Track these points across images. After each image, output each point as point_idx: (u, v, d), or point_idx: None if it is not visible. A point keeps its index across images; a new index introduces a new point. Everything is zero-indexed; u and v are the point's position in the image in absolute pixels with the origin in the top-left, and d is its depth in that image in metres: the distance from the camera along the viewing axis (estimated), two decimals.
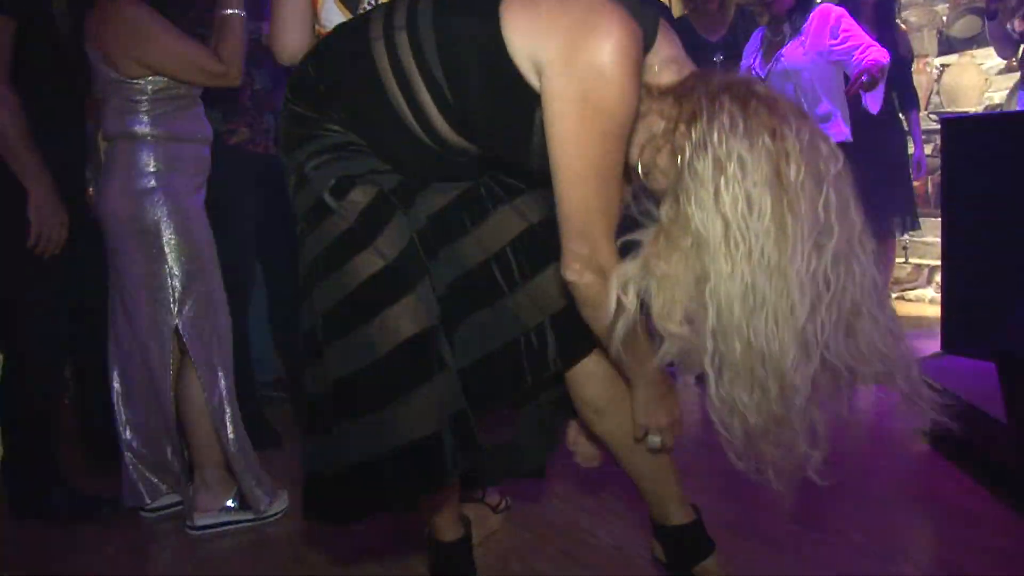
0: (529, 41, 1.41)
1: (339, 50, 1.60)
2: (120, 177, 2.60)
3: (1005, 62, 5.45)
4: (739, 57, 4.09)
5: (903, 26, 4.68)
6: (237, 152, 3.23)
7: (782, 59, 3.78)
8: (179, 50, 2.56)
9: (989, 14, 4.22)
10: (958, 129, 3.11)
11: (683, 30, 4.54)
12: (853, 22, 3.79)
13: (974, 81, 6.26)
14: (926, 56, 6.64)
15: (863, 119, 3.99)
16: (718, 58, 4.53)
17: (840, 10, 3.83)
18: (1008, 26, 4.18)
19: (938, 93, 6.60)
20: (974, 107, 6.19)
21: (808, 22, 3.78)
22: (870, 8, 4.22)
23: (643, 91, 1.44)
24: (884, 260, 4.52)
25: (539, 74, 1.41)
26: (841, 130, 3.79)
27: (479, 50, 1.44)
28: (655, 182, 1.49)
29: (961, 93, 6.32)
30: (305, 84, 1.62)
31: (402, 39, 1.49)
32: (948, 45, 6.84)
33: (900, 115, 4.54)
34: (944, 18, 7.19)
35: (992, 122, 2.85)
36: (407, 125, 1.54)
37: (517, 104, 1.45)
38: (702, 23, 4.61)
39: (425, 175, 1.70)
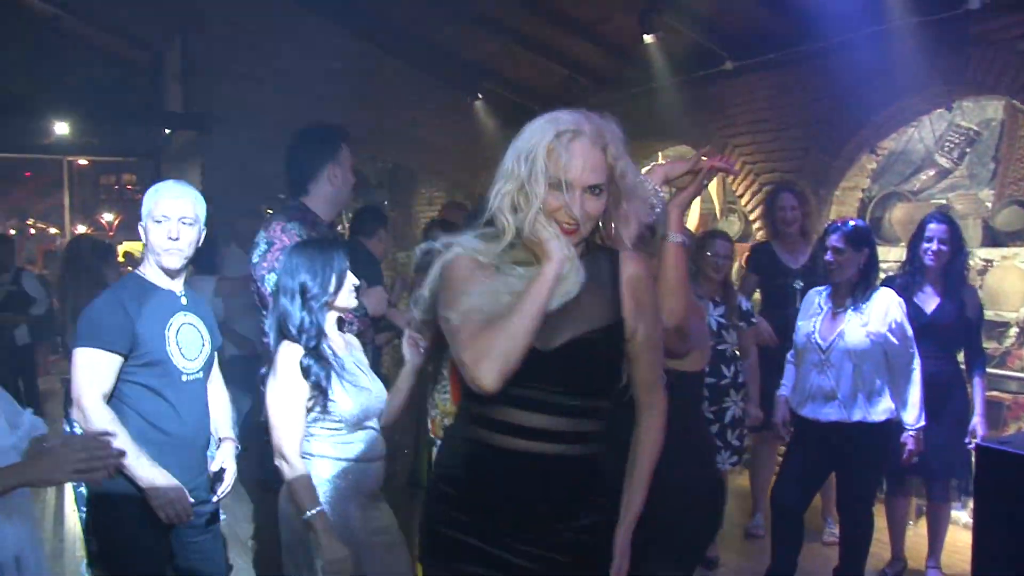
0: None
1: None
2: None
3: None
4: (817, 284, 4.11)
5: (974, 284, 4.51)
6: None
7: (844, 337, 3.75)
8: None
9: None
10: (995, 461, 2.88)
11: (765, 254, 4.60)
12: (905, 315, 3.79)
13: (1016, 286, 6.07)
14: (970, 252, 6.49)
15: (926, 381, 3.84)
16: (798, 285, 4.56)
17: (897, 300, 3.82)
18: None
19: (981, 288, 6.45)
20: (1015, 311, 6.04)
21: (869, 302, 3.77)
22: (938, 272, 4.14)
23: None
24: (943, 519, 4.35)
25: None
26: (888, 407, 3.77)
27: None
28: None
29: (1003, 296, 6.10)
30: None
31: None
32: (992, 236, 6.72)
33: (964, 376, 4.25)
34: (988, 205, 7.10)
35: None
36: None
37: None
38: (784, 248, 4.66)
39: None
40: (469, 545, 1.90)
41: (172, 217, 2.75)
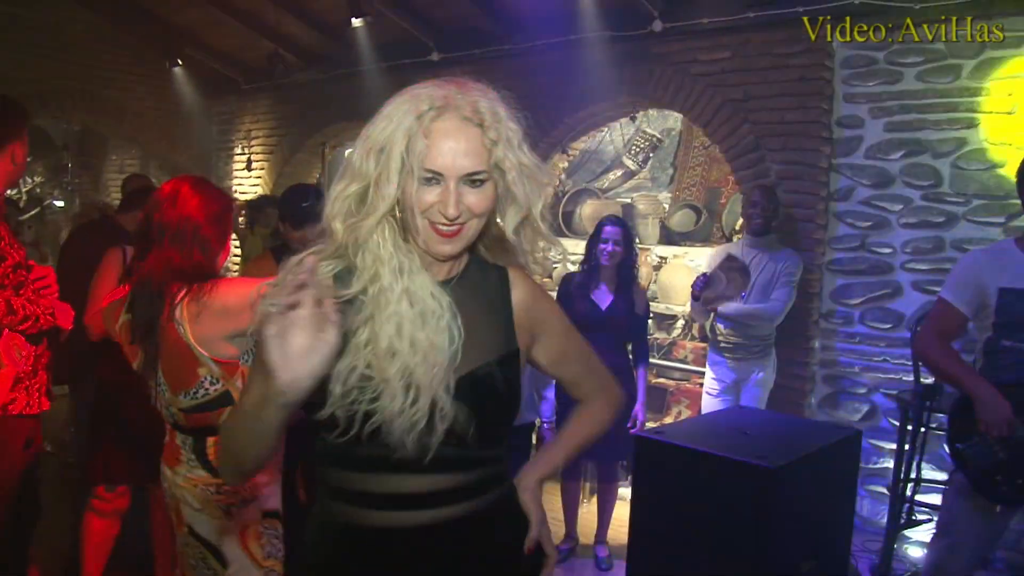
0: None
1: None
2: None
3: None
4: None
5: (642, 284, 4.94)
6: None
7: None
8: None
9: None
10: (649, 448, 3.21)
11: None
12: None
13: (684, 282, 6.65)
14: (649, 249, 7.09)
15: None
16: None
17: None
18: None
19: (655, 282, 7.04)
20: (682, 305, 6.63)
21: None
22: (612, 270, 4.42)
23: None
24: (610, 498, 4.68)
25: None
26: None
27: None
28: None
29: (673, 291, 6.71)
30: None
31: None
32: (668, 236, 7.34)
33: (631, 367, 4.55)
34: (666, 207, 7.75)
35: (680, 452, 2.95)
36: None
37: None
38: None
39: None
40: None
41: None
